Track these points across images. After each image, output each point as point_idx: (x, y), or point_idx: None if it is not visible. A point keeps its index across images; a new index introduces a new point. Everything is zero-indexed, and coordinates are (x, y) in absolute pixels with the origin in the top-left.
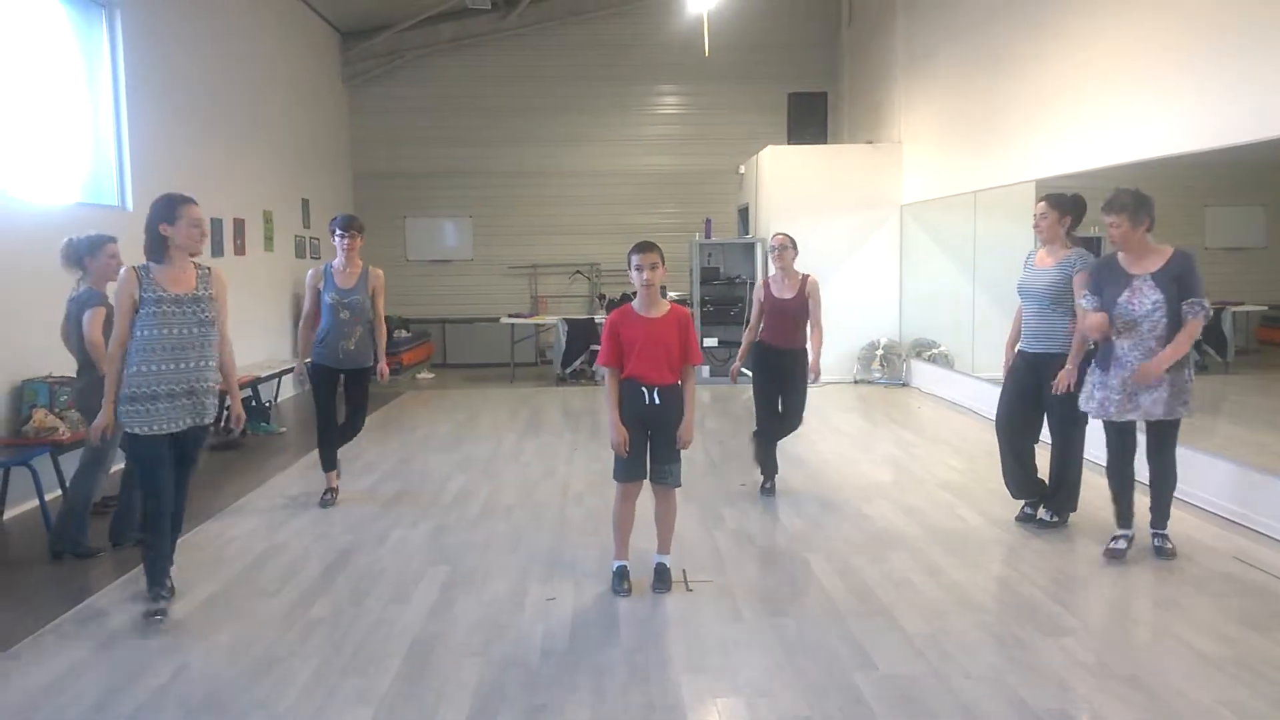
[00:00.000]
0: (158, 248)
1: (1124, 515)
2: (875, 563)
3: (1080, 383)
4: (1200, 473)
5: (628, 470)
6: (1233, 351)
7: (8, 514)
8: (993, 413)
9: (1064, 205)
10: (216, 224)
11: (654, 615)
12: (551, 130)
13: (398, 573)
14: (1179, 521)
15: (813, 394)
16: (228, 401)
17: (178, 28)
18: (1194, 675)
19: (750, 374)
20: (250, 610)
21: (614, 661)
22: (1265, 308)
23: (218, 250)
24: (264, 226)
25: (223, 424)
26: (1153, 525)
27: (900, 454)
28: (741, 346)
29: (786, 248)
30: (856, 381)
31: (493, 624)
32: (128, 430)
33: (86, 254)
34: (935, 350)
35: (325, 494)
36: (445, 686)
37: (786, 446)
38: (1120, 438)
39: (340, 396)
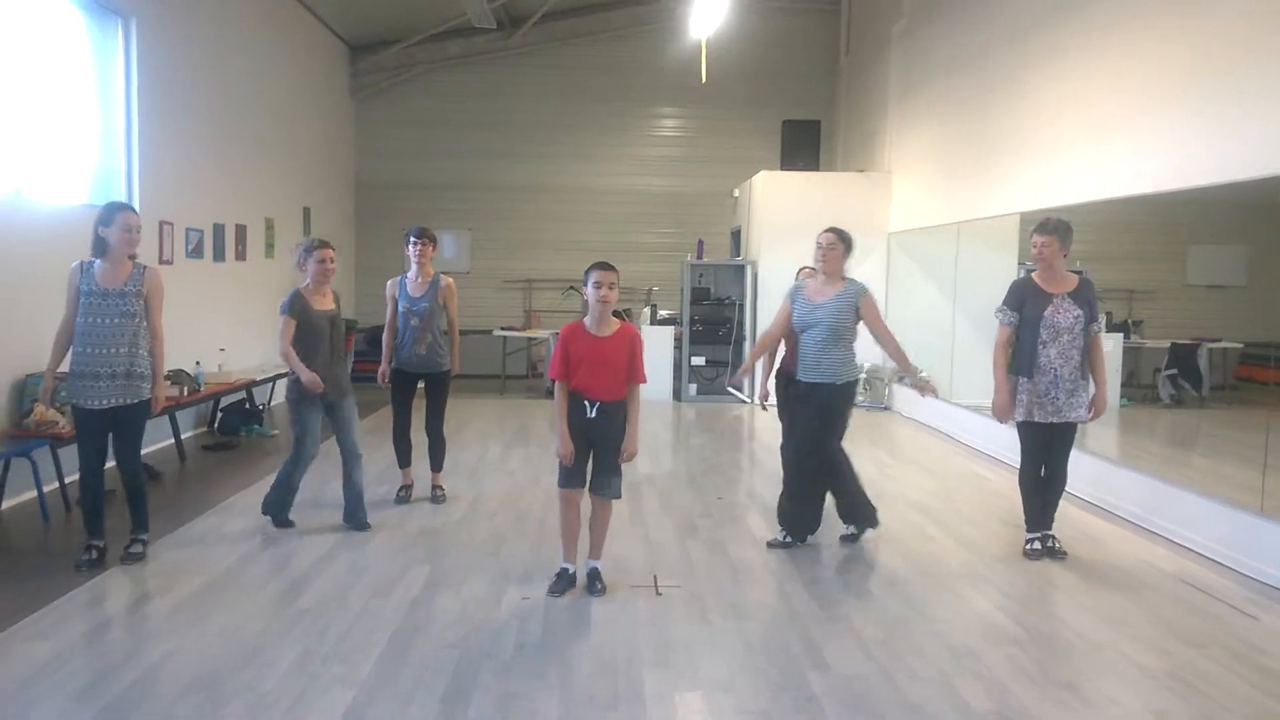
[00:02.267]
0: (98, 247)
1: (1036, 519)
2: (840, 574)
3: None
4: (1176, 506)
5: (569, 478)
6: (1208, 387)
7: (6, 504)
8: (969, 438)
9: (849, 241)
10: (219, 229)
11: (623, 616)
12: (551, 147)
13: (381, 570)
14: (1145, 550)
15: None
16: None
17: (190, 37)
18: (1130, 685)
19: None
20: (238, 601)
21: (583, 656)
22: (1242, 345)
23: (219, 255)
24: (265, 233)
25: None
26: (1044, 526)
27: (876, 475)
28: (753, 354)
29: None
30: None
31: (470, 619)
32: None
33: (303, 258)
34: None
35: (400, 490)
36: (423, 674)
37: (768, 463)
38: (1038, 443)
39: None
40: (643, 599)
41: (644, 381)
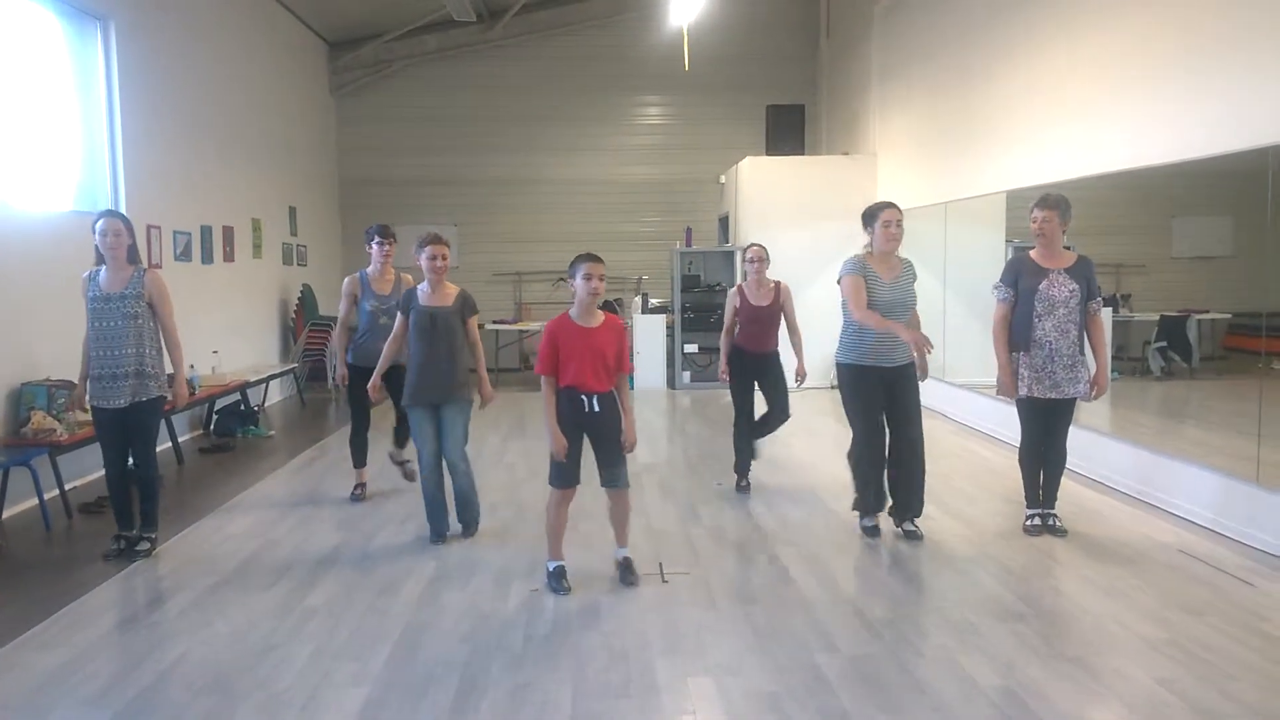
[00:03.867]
0: (98, 254)
1: (1035, 496)
2: (842, 555)
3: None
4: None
5: (564, 477)
6: (1198, 358)
7: (7, 513)
8: (964, 416)
9: None
10: (206, 231)
11: (631, 605)
12: (536, 140)
13: (387, 567)
14: (1143, 523)
15: (790, 398)
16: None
17: (169, 40)
18: (1135, 656)
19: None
20: (247, 601)
21: (594, 645)
22: (1230, 315)
23: (207, 257)
24: (253, 234)
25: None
26: (1046, 505)
27: None
28: (722, 351)
29: (763, 259)
30: (833, 387)
31: (478, 613)
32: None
33: (417, 253)
34: None
35: (356, 489)
36: (435, 668)
37: (766, 448)
38: (1037, 419)
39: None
40: (649, 587)
41: (630, 371)
